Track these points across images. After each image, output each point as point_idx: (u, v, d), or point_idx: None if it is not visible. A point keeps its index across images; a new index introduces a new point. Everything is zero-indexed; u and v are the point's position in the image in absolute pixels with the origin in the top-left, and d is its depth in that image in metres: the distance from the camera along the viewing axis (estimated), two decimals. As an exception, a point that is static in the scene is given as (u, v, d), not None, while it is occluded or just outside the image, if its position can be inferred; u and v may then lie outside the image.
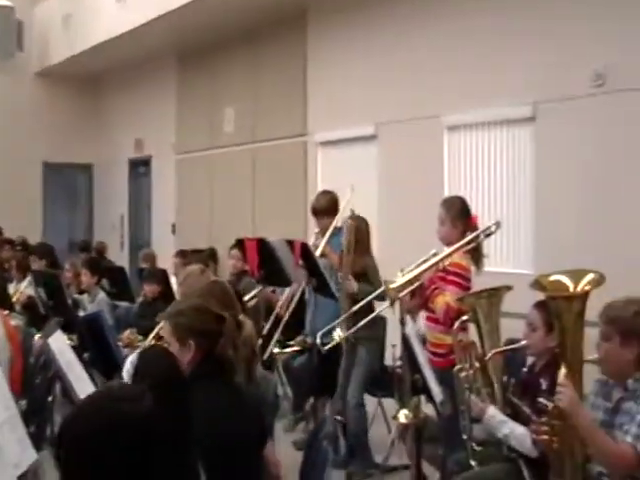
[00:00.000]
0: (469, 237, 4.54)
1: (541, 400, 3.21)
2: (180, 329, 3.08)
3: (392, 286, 4.33)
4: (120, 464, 1.69)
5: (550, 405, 3.05)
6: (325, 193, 6.23)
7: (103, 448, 1.69)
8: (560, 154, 6.62)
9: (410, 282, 4.39)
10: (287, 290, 6.66)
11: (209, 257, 9.99)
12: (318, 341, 5.33)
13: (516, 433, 3.66)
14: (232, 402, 3.04)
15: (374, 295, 5.12)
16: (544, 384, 3.61)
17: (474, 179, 7.52)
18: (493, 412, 3.77)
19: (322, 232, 5.84)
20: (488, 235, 4.57)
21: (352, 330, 5.15)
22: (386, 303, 4.66)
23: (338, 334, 5.28)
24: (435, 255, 4.55)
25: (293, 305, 6.45)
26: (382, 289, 4.81)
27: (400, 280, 4.39)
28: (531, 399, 3.61)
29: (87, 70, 13.91)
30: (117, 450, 1.69)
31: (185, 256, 8.93)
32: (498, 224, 4.55)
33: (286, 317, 6.42)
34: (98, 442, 1.69)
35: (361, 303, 5.17)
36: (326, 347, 5.26)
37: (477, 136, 7.50)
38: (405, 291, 4.33)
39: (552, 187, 6.68)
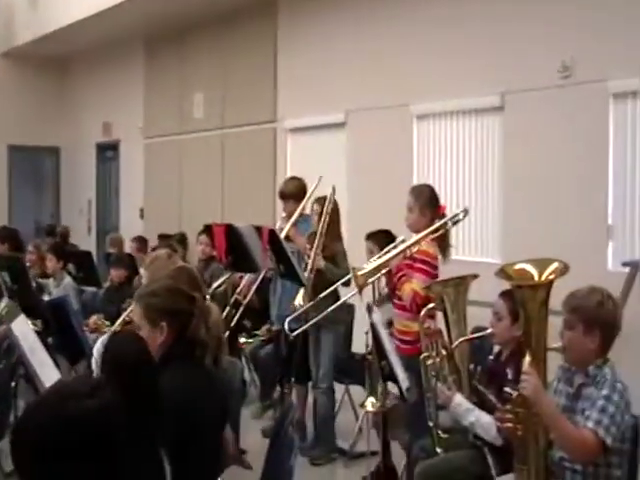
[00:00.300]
0: (437, 224, 4.55)
1: (507, 390, 3.23)
2: (152, 310, 3.05)
3: (360, 272, 4.34)
4: (77, 462, 1.64)
5: (515, 394, 3.07)
6: (293, 179, 6.23)
7: (55, 447, 1.64)
8: (528, 144, 6.67)
9: (378, 269, 4.40)
10: (246, 277, 6.66)
11: (179, 242, 9.91)
12: (286, 326, 5.33)
13: (482, 422, 3.68)
14: (203, 384, 3.04)
15: (342, 281, 5.14)
16: (510, 373, 3.63)
17: (442, 167, 7.55)
18: (459, 400, 3.79)
19: (288, 217, 5.84)
20: (456, 222, 4.58)
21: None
22: (353, 290, 4.67)
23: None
24: (403, 242, 4.56)
25: (251, 292, 6.46)
26: (349, 276, 4.81)
27: (368, 267, 4.40)
28: (497, 388, 3.64)
29: (54, 52, 13.71)
30: (70, 449, 1.64)
31: (141, 242, 8.93)
32: (466, 211, 4.57)
33: (245, 302, 6.43)
34: (49, 443, 1.64)
35: (331, 288, 5.18)
36: (294, 333, 5.27)
37: (446, 125, 7.52)
38: (372, 278, 4.34)
39: (520, 176, 6.72)
